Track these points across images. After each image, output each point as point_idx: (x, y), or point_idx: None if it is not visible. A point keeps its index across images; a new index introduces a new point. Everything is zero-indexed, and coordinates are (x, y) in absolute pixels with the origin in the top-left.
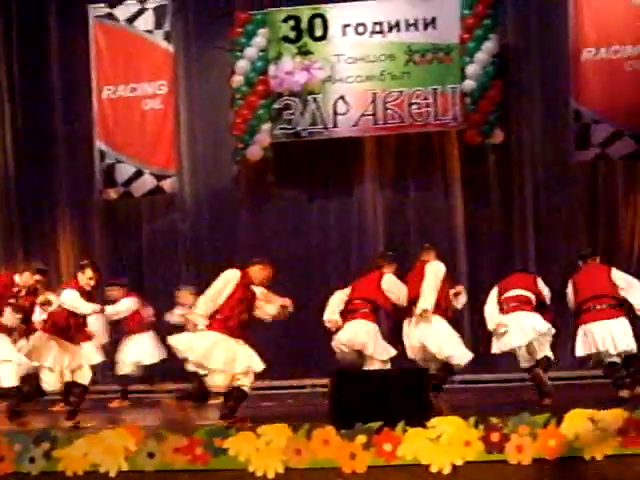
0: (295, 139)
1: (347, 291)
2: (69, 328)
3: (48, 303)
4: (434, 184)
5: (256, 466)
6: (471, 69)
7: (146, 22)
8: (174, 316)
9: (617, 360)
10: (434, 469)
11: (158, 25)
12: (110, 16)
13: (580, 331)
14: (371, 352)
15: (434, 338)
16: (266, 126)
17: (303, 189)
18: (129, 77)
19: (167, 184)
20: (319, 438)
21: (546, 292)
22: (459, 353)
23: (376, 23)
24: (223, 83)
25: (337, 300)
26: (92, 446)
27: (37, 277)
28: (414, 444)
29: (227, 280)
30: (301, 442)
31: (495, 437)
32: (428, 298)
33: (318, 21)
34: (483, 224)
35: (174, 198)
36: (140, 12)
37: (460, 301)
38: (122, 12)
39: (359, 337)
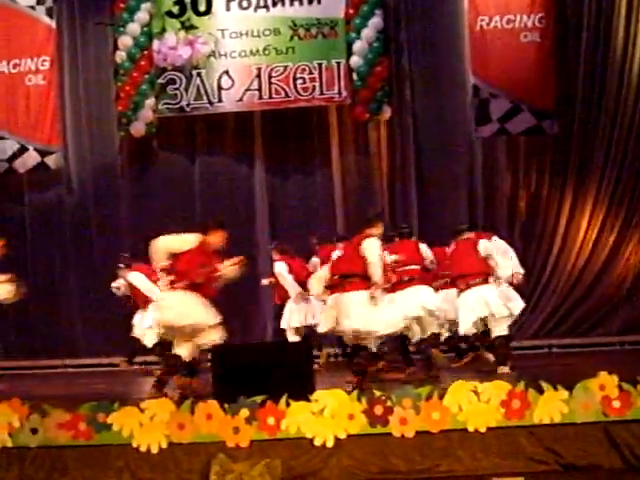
0: (179, 114)
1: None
2: None
3: None
4: (315, 158)
5: (140, 441)
6: (358, 45)
7: None
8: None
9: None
10: (318, 442)
11: (40, 1)
12: None
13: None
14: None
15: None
16: (150, 101)
17: (187, 163)
18: (11, 53)
19: (51, 160)
20: (202, 412)
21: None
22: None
23: None
24: (107, 58)
25: None
26: None
27: None
28: (297, 418)
29: None
30: (184, 417)
31: (379, 410)
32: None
33: None
34: (364, 198)
35: (60, 173)
36: None
37: None
38: None
39: None
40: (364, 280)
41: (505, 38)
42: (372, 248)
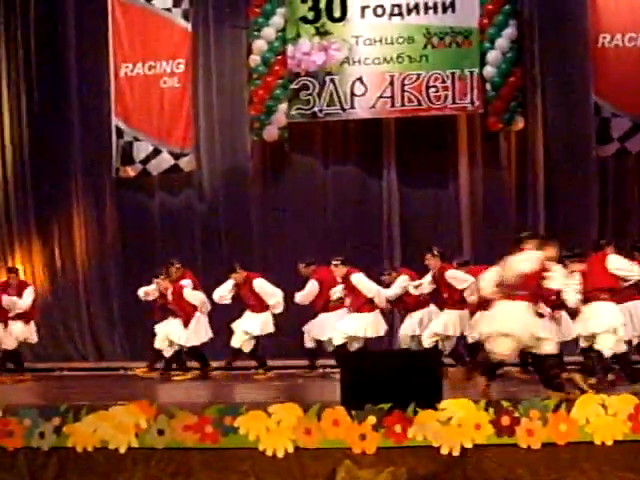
0: (312, 119)
1: None
2: None
3: None
4: (445, 167)
5: (266, 445)
6: (492, 55)
7: (164, 0)
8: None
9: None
10: (444, 451)
11: (176, 3)
12: None
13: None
14: None
15: None
16: (283, 106)
17: (318, 169)
18: (147, 55)
19: (184, 162)
20: (329, 418)
21: None
22: None
23: (395, 5)
24: (241, 62)
25: None
26: (102, 422)
27: None
28: (424, 426)
29: None
30: (311, 422)
31: (505, 420)
32: None
33: (337, 2)
34: (494, 208)
35: (191, 176)
36: None
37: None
38: None
39: None
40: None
41: (626, 57)
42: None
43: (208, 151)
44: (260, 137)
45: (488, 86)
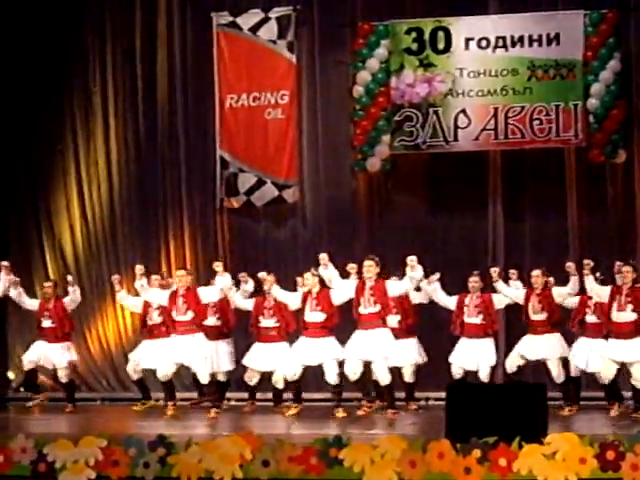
0: (415, 151)
1: None
2: None
3: None
4: (551, 200)
5: (370, 477)
6: (595, 88)
7: (269, 32)
8: None
9: None
10: None
11: (281, 35)
12: (233, 25)
13: None
14: None
15: None
16: (386, 137)
17: (422, 201)
18: (252, 86)
19: (288, 194)
20: (434, 451)
21: None
22: None
23: (499, 37)
24: (344, 94)
25: None
26: (207, 453)
27: None
28: (529, 460)
29: None
30: (416, 455)
31: (610, 455)
32: None
33: (441, 34)
34: (598, 244)
35: (295, 207)
36: (263, 21)
37: None
38: (245, 21)
39: None
40: None
41: None
42: None
43: (312, 182)
44: (363, 168)
45: (591, 118)
